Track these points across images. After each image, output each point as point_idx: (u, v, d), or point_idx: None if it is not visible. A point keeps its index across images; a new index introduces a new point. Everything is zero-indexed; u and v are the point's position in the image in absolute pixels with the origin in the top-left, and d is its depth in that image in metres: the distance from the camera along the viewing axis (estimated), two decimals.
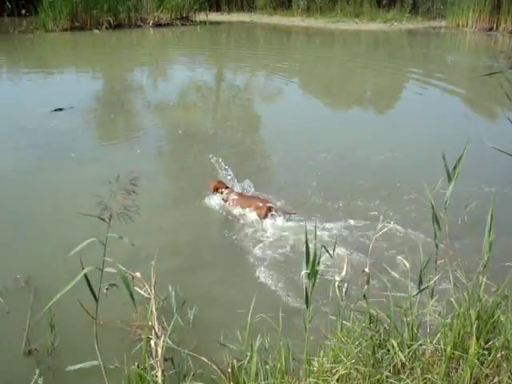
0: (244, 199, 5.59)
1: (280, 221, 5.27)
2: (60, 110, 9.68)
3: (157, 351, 2.88)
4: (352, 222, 5.45)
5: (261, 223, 5.29)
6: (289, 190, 6.24)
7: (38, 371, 3.28)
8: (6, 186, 6.51)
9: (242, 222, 5.48)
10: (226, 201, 5.68)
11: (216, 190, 5.79)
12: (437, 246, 3.07)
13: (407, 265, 2.97)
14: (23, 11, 26.36)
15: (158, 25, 23.84)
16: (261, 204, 5.38)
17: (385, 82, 13.71)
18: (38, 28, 21.98)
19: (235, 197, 5.62)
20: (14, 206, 5.95)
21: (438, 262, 3.07)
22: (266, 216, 5.27)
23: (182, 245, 5.21)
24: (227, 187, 5.79)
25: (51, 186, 6.50)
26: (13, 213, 5.80)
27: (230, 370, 2.89)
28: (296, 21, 25.73)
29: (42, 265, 4.75)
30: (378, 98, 12.21)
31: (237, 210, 5.57)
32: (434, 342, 2.85)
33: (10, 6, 26.96)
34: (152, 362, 2.85)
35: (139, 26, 23.58)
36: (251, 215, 5.41)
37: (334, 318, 2.90)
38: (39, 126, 8.82)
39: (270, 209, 5.34)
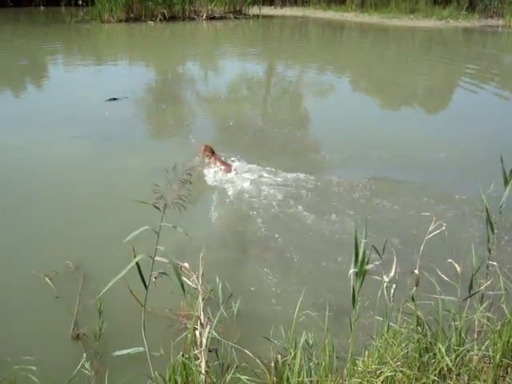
0: (219, 162, 6.82)
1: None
2: (115, 99, 9.86)
3: (201, 342, 2.91)
4: (402, 221, 5.40)
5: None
6: (340, 186, 6.21)
7: (85, 355, 3.36)
8: (61, 173, 6.66)
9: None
10: (209, 161, 6.91)
11: (206, 154, 6.99)
12: (489, 251, 3.00)
13: (458, 268, 2.91)
14: (80, 2, 27.07)
15: (211, 18, 24.01)
16: (224, 167, 6.74)
17: (438, 80, 13.45)
18: (94, 18, 22.45)
19: (215, 160, 6.86)
20: (67, 193, 6.10)
21: (490, 266, 3.00)
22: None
23: (232, 237, 5.21)
24: (213, 152, 6.94)
25: (105, 174, 6.64)
26: (66, 199, 5.94)
27: (273, 364, 2.90)
28: (350, 16, 25.47)
29: (92, 251, 4.84)
30: (431, 96, 11.97)
31: (213, 168, 6.80)
32: (483, 348, 2.79)
33: None
34: (196, 352, 2.88)
35: (193, 19, 23.79)
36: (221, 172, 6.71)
37: (381, 319, 2.88)
38: (94, 115, 9.01)
39: (229, 170, 6.70)
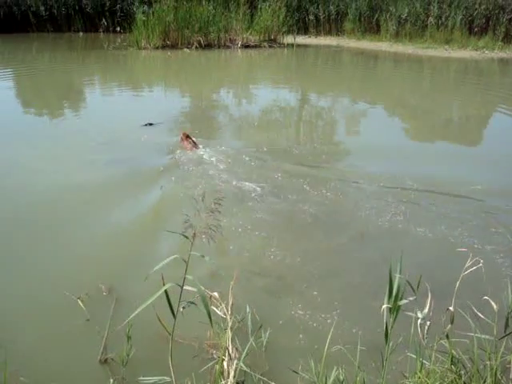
0: (188, 144, 8.68)
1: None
2: (150, 124, 9.98)
3: (229, 373, 2.87)
4: (435, 255, 5.30)
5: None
6: (371, 211, 6.17)
7: (111, 381, 3.34)
8: (96, 198, 6.71)
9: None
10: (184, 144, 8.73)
11: (182, 138, 8.75)
12: None
13: (494, 306, 2.83)
14: (118, 28, 27.74)
15: (246, 46, 24.27)
16: (189, 145, 8.68)
17: (474, 110, 13.28)
18: (132, 45, 22.92)
19: (187, 142, 8.70)
20: (102, 219, 6.13)
21: None
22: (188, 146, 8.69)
23: (266, 267, 5.10)
24: (187, 137, 8.75)
25: (139, 201, 6.66)
26: (100, 225, 5.97)
27: None
28: (384, 46, 25.47)
29: (125, 276, 4.85)
30: (467, 126, 11.83)
31: (186, 148, 8.62)
32: None
33: (106, 23, 28.42)
34: (223, 383, 2.84)
35: (228, 47, 24.09)
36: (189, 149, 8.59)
37: (414, 356, 2.80)
38: (130, 141, 9.09)
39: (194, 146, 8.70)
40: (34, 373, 3.47)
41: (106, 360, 3.72)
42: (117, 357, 3.68)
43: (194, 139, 8.82)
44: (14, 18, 27.42)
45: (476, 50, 23.80)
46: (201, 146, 8.72)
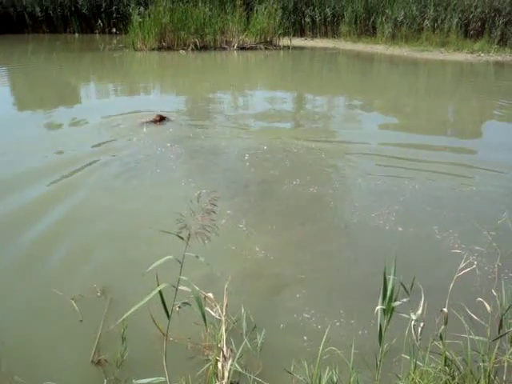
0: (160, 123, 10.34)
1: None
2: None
3: (223, 374, 2.87)
4: (430, 255, 5.31)
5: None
6: (369, 214, 6.19)
7: (105, 382, 3.33)
8: (90, 197, 6.71)
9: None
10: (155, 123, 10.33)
11: (156, 118, 10.38)
12: None
13: (488, 307, 2.84)
14: (114, 30, 27.76)
15: (242, 48, 24.28)
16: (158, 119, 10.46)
17: (468, 114, 13.32)
18: (127, 46, 22.93)
19: (158, 120, 10.40)
20: (94, 219, 6.10)
21: None
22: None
23: (264, 268, 5.08)
24: (161, 117, 10.47)
25: (135, 200, 6.67)
26: (94, 226, 5.95)
27: None
28: (380, 49, 25.52)
29: (119, 277, 4.83)
30: (462, 131, 11.82)
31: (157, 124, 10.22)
32: None
33: (101, 24, 28.41)
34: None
35: (224, 49, 24.09)
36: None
37: (407, 357, 2.80)
38: (123, 140, 9.13)
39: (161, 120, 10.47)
40: (28, 373, 3.46)
41: (99, 361, 3.70)
42: (110, 358, 3.67)
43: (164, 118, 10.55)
44: (10, 18, 27.38)
45: (472, 52, 23.87)
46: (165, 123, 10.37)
